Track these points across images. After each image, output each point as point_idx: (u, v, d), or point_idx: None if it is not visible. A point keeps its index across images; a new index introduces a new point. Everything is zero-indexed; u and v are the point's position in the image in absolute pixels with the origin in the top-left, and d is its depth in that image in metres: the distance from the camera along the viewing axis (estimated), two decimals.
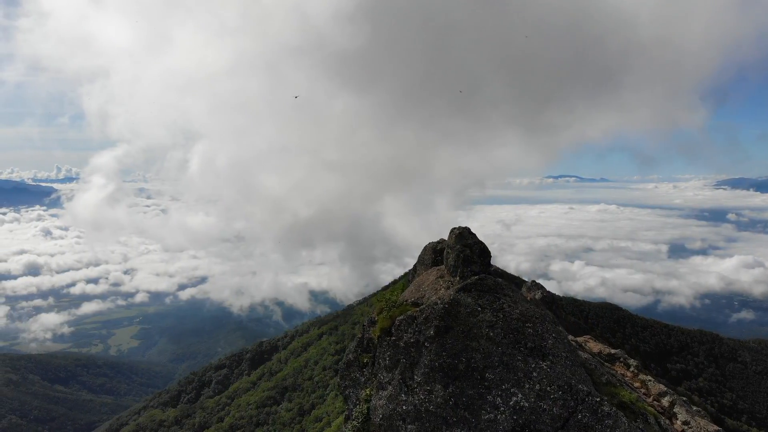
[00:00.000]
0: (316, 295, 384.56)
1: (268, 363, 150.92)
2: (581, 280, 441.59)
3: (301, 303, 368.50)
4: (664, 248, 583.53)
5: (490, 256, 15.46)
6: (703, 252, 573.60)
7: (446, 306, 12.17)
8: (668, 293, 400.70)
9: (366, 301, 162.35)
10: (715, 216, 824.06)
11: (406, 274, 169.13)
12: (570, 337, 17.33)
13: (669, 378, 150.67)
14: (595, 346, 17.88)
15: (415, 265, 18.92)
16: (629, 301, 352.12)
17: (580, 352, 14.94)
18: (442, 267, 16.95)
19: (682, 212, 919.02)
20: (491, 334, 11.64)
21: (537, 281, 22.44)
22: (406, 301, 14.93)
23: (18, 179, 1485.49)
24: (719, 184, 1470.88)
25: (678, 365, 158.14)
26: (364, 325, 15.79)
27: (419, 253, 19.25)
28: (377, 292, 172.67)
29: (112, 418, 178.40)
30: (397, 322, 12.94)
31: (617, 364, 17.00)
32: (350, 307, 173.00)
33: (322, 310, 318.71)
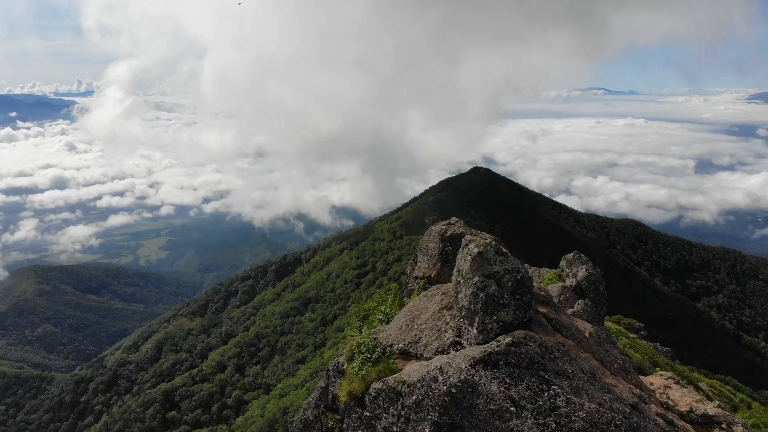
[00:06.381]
0: (338, 209, 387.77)
1: (292, 275, 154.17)
2: (603, 195, 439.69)
3: (323, 217, 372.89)
4: (691, 164, 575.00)
5: (532, 292, 8.82)
6: (730, 168, 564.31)
7: (452, 391, 7.29)
8: (692, 209, 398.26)
9: (387, 218, 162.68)
10: (745, 131, 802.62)
11: (425, 192, 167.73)
12: (643, 379, 11.25)
13: (688, 294, 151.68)
14: (681, 399, 11.28)
15: (415, 254, 13.20)
16: (652, 217, 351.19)
17: None
18: (450, 289, 9.99)
19: (712, 127, 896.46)
20: None
21: (580, 254, 15.32)
22: (390, 346, 9.77)
23: (40, 93, 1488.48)
24: (752, 98, 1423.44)
25: (698, 281, 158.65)
26: (328, 371, 10.86)
27: (422, 238, 13.19)
28: (400, 208, 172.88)
29: (144, 325, 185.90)
30: (373, 392, 8.51)
31: (716, 430, 10.84)
32: (371, 223, 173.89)
33: (344, 223, 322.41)
